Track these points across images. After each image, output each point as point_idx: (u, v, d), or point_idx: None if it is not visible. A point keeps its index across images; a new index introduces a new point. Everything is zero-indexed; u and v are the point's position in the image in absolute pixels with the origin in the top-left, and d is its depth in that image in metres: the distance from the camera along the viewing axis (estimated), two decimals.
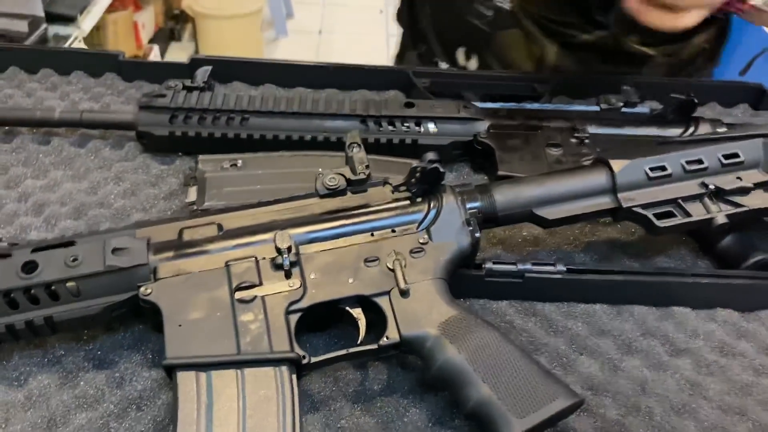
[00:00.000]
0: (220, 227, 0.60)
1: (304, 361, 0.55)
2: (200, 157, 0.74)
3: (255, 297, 0.56)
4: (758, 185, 0.66)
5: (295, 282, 0.57)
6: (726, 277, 0.68)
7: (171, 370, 0.54)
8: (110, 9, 2.31)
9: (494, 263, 0.65)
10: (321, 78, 0.93)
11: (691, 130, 0.81)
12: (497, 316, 0.66)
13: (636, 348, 0.64)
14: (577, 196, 0.65)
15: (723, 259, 0.71)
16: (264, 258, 0.58)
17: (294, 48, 3.37)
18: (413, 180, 0.62)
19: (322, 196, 0.62)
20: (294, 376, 0.54)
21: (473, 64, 1.01)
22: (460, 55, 1.02)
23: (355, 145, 0.65)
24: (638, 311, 0.67)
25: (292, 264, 0.58)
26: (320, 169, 0.71)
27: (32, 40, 1.79)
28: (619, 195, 0.64)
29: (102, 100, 0.88)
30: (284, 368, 0.54)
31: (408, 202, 0.63)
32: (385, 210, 0.62)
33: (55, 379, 0.57)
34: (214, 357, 0.53)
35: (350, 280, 0.58)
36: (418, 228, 0.61)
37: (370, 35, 3.39)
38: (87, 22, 2.09)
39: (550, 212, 0.64)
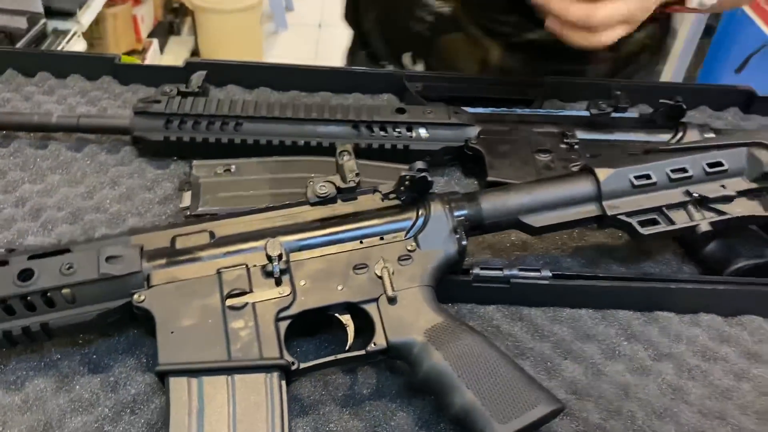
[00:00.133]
0: (212, 235, 0.61)
1: (293, 368, 0.56)
2: (194, 162, 0.75)
3: (246, 304, 0.58)
4: (741, 193, 0.67)
5: (285, 289, 0.59)
6: (709, 282, 0.69)
7: (163, 376, 0.55)
8: (109, 3, 2.31)
9: (481, 269, 0.67)
10: (315, 81, 0.94)
11: (679, 135, 0.82)
12: (484, 321, 0.67)
13: (620, 353, 0.65)
14: (563, 204, 0.66)
15: (707, 265, 0.73)
16: (255, 265, 0.60)
17: (294, 41, 3.37)
18: (402, 188, 0.64)
19: (313, 204, 0.64)
20: (283, 382, 0.55)
21: (420, 68, 1.02)
22: (407, 59, 1.03)
23: (346, 153, 0.66)
24: (623, 316, 0.68)
25: (283, 271, 0.59)
26: (312, 175, 0.73)
27: (31, 36, 1.80)
28: (604, 203, 0.66)
29: (99, 104, 0.89)
30: (274, 374, 0.55)
31: (397, 209, 0.64)
32: (374, 218, 0.63)
33: (51, 383, 0.59)
34: (205, 363, 0.55)
35: (339, 287, 0.60)
36: (406, 235, 0.63)
37: None
38: (86, 16, 2.09)
39: (536, 220, 0.65)
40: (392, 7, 1.01)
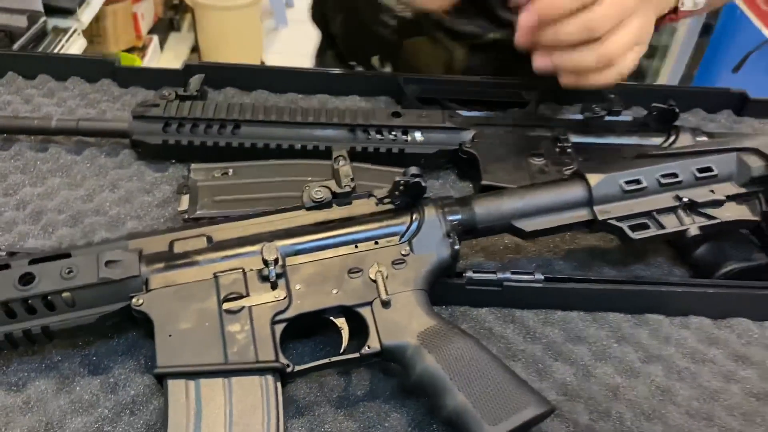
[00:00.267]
0: (209, 239, 0.62)
1: (289, 370, 0.57)
2: (192, 165, 0.76)
3: (242, 308, 0.59)
4: (731, 198, 0.68)
5: (281, 293, 0.60)
6: (699, 285, 0.70)
7: (162, 378, 0.56)
8: (109, 0, 2.32)
9: (474, 272, 0.68)
10: (313, 84, 0.95)
11: (672, 138, 0.83)
12: (477, 323, 0.68)
13: (610, 354, 0.67)
14: (555, 208, 0.67)
15: (698, 268, 0.74)
16: (251, 269, 0.61)
17: (294, 37, 3.37)
18: (396, 193, 0.64)
19: (309, 209, 0.65)
20: (279, 384, 0.57)
21: (388, 70, 1.03)
22: (375, 61, 1.04)
23: (341, 158, 0.67)
24: (614, 318, 0.70)
25: (278, 276, 0.60)
26: (309, 178, 0.74)
27: (31, 34, 1.80)
28: (595, 208, 0.67)
29: (98, 107, 0.90)
30: (269, 377, 0.57)
31: (391, 214, 0.65)
32: (369, 222, 0.64)
33: (52, 385, 0.60)
34: (203, 366, 0.56)
35: (334, 291, 0.61)
36: (400, 240, 0.64)
37: None
38: (86, 14, 2.10)
39: (528, 224, 0.66)
40: (357, 12, 1.01)
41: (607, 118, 0.84)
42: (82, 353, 0.63)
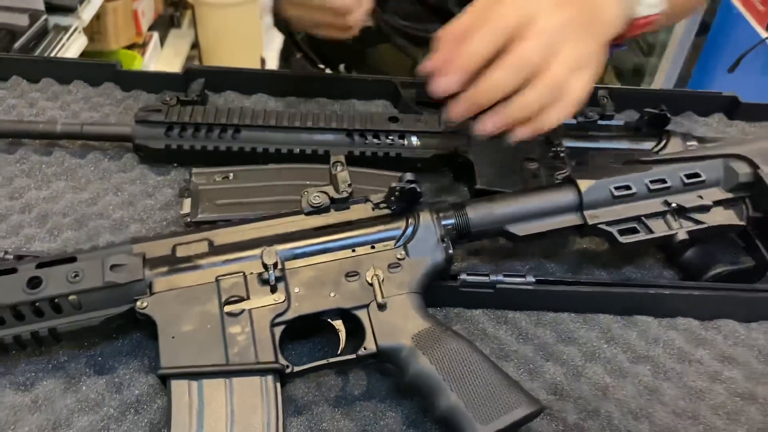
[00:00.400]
0: (211, 243, 0.64)
1: (288, 371, 0.59)
2: (194, 169, 0.78)
3: (243, 310, 0.61)
4: (718, 203, 0.70)
5: (280, 296, 0.62)
6: (686, 288, 0.72)
7: (165, 379, 0.58)
8: None
9: (468, 274, 0.70)
10: (311, 87, 0.97)
11: (663, 143, 0.84)
12: (471, 324, 0.70)
13: (599, 355, 0.69)
14: (546, 213, 0.69)
15: (687, 270, 0.76)
16: (251, 273, 0.63)
17: None
18: (392, 198, 0.66)
19: (307, 214, 0.67)
20: (278, 385, 0.59)
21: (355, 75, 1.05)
22: (342, 68, 1.06)
23: (339, 164, 0.69)
24: (603, 320, 0.72)
25: (278, 279, 0.62)
26: (307, 182, 0.76)
27: (33, 32, 1.82)
28: (585, 212, 0.69)
29: (101, 110, 0.92)
30: (269, 377, 0.59)
31: (387, 219, 0.67)
32: (366, 227, 0.66)
33: (59, 384, 0.62)
34: (205, 367, 0.58)
35: (332, 294, 0.63)
36: (396, 244, 0.65)
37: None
38: (87, 11, 2.11)
39: (520, 229, 0.68)
40: None
41: (600, 122, 0.85)
42: (88, 354, 0.65)
